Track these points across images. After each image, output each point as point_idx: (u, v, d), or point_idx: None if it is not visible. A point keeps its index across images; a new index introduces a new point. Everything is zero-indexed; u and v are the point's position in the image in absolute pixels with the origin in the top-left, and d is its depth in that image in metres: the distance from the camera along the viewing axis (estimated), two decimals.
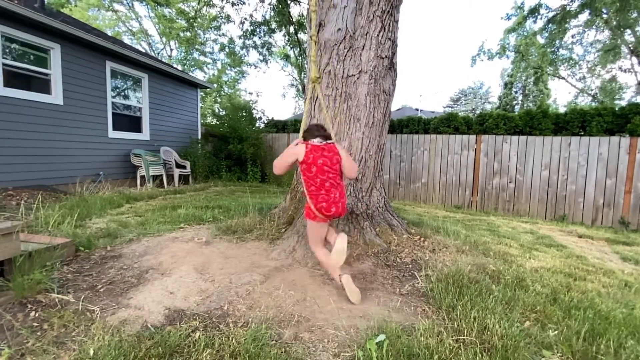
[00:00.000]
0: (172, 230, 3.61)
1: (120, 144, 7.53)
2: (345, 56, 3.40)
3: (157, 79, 8.65)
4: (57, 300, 2.04)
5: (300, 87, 24.50)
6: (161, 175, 7.88)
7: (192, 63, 23.91)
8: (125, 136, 7.68)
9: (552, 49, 16.78)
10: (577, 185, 6.56)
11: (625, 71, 18.86)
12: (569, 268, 3.16)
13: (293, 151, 2.33)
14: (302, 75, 21.11)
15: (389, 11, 3.41)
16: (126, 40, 21.65)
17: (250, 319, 1.93)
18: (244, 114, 11.26)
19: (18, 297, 2.00)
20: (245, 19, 14.08)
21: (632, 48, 16.25)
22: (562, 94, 50.92)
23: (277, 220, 3.60)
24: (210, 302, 2.12)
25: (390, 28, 3.48)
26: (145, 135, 8.30)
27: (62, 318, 1.85)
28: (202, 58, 24.22)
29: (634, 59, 17.07)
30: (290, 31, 14.32)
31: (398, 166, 8.38)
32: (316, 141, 2.35)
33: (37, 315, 1.89)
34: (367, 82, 3.42)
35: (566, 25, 14.79)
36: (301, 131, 2.36)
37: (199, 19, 17.16)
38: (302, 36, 14.26)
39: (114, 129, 7.37)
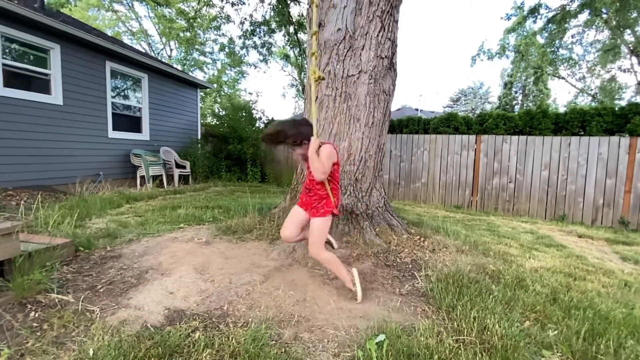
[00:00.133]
0: (171, 231, 3.61)
1: (120, 144, 7.53)
2: (345, 56, 3.41)
3: (157, 79, 8.65)
4: (56, 300, 2.04)
5: (300, 87, 24.50)
6: (161, 175, 7.88)
7: (192, 63, 23.91)
8: (125, 136, 7.67)
9: (552, 49, 16.78)
10: (577, 185, 6.56)
11: (624, 71, 18.88)
12: (569, 268, 3.16)
13: (332, 154, 2.18)
14: (302, 75, 21.11)
15: (388, 11, 3.42)
16: (126, 40, 21.66)
17: (250, 319, 1.93)
18: (244, 114, 11.25)
19: (18, 298, 2.00)
20: (245, 19, 14.07)
21: (631, 48, 16.26)
22: (561, 94, 50.99)
23: (277, 220, 3.60)
24: (210, 302, 2.12)
25: (390, 28, 3.48)
26: (145, 135, 8.30)
27: (61, 318, 1.85)
28: (202, 58, 24.22)
29: (634, 59, 17.08)
30: (290, 31, 14.31)
31: (398, 166, 8.38)
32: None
33: (36, 315, 1.89)
34: (367, 82, 3.42)
35: (566, 25, 14.78)
36: (315, 131, 2.26)
37: (198, 19, 17.14)
38: (302, 36, 14.25)
39: (114, 129, 7.37)
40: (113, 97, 7.43)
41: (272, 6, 13.43)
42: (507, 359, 1.64)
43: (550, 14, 14.68)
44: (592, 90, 21.99)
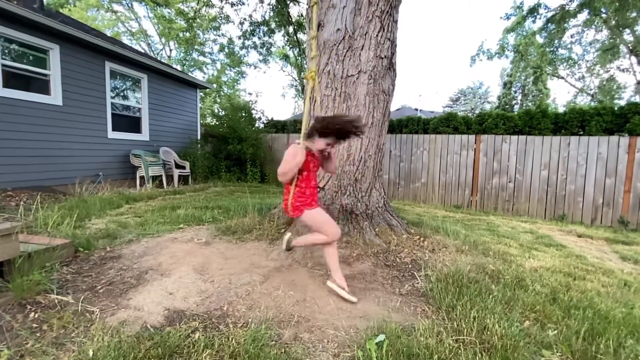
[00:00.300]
0: (171, 231, 3.61)
1: (120, 144, 7.52)
2: (345, 56, 3.41)
3: (156, 80, 8.64)
4: (56, 301, 2.04)
5: (300, 87, 24.49)
6: (160, 175, 7.87)
7: (192, 63, 23.91)
8: (124, 137, 7.67)
9: (551, 49, 16.80)
10: (577, 185, 6.56)
11: (623, 71, 18.91)
12: (569, 267, 3.16)
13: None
14: (302, 75, 21.09)
15: (388, 11, 3.42)
16: (125, 40, 21.64)
17: (249, 320, 1.93)
18: (244, 114, 11.25)
19: (17, 298, 2.00)
20: (245, 19, 14.07)
21: (631, 47, 16.28)
22: (561, 94, 51.13)
23: (277, 221, 3.60)
24: (209, 303, 2.12)
25: (390, 28, 3.48)
26: (144, 135, 8.29)
27: (61, 319, 1.85)
28: (201, 58, 24.22)
29: (633, 59, 17.10)
30: (290, 31, 14.32)
31: (397, 166, 8.38)
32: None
33: (36, 316, 1.89)
34: (367, 82, 3.43)
35: (565, 24, 14.79)
36: (303, 129, 2.29)
37: (198, 20, 17.14)
38: (302, 36, 14.25)
39: (114, 129, 7.36)
40: (112, 97, 7.43)
41: (271, 6, 13.43)
42: (507, 359, 1.64)
43: (550, 14, 14.68)
44: (591, 90, 22.02)
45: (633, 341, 1.85)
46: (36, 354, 1.59)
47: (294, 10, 13.86)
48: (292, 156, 2.17)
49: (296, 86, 26.25)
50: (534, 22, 15.74)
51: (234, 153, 9.87)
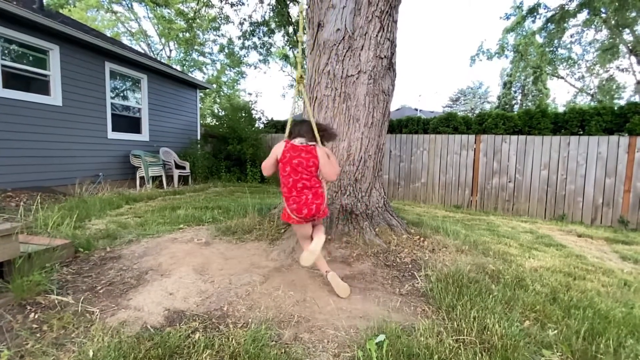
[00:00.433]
0: (171, 231, 3.61)
1: (120, 144, 7.53)
2: (344, 56, 3.41)
3: (156, 80, 8.64)
4: (56, 301, 2.04)
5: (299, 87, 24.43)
6: (160, 176, 7.87)
7: (192, 64, 23.91)
8: (124, 137, 7.67)
9: (551, 49, 16.80)
10: (577, 185, 6.57)
11: (623, 70, 18.92)
12: (569, 267, 3.16)
13: (274, 150, 2.33)
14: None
15: (387, 11, 3.42)
16: (125, 41, 21.65)
17: (250, 320, 1.93)
18: (244, 114, 11.26)
19: (17, 299, 2.00)
20: (245, 19, 14.07)
21: (630, 47, 16.28)
22: (561, 94, 51.19)
23: (277, 221, 3.60)
24: (209, 303, 2.12)
25: (389, 28, 3.48)
26: (144, 136, 8.30)
27: (61, 319, 1.85)
28: (201, 58, 24.23)
29: (633, 58, 17.11)
30: (290, 31, 14.31)
31: (397, 166, 8.38)
32: (297, 141, 2.31)
33: (36, 316, 1.89)
34: (366, 82, 3.42)
35: (565, 24, 14.79)
36: (287, 132, 2.35)
37: (198, 20, 17.14)
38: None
39: (113, 129, 7.37)
40: (112, 97, 7.43)
41: (271, 6, 13.43)
42: (507, 359, 1.64)
43: (549, 14, 14.68)
44: (591, 89, 22.04)
45: (633, 341, 1.85)
46: (36, 354, 1.59)
47: (294, 11, 13.84)
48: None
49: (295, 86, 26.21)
50: (533, 22, 15.74)
51: (233, 153, 9.87)
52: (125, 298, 2.15)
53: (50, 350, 1.61)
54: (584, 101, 22.91)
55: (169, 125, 9.16)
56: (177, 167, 8.53)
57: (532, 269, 2.99)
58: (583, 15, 15.03)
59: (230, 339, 1.71)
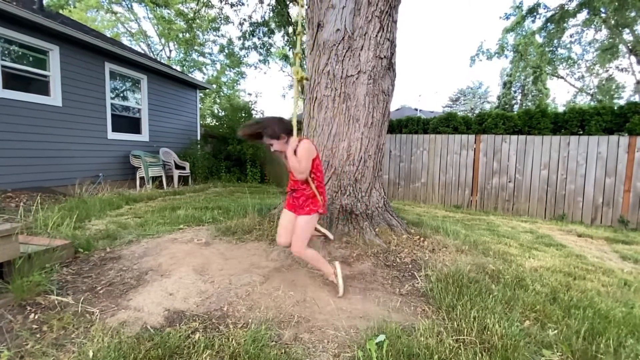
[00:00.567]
0: (171, 232, 3.61)
1: (120, 145, 7.52)
2: (344, 57, 3.41)
3: (156, 80, 8.64)
4: (56, 302, 2.03)
5: (299, 88, 24.42)
6: (160, 176, 7.87)
7: (191, 64, 23.90)
8: (124, 137, 7.67)
9: (551, 49, 16.79)
10: (577, 185, 6.56)
11: (622, 70, 18.92)
12: (569, 267, 3.16)
13: (311, 150, 2.19)
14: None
15: (387, 12, 3.42)
16: (125, 41, 21.63)
17: (250, 320, 1.93)
18: (243, 114, 11.26)
19: (17, 299, 2.00)
20: (244, 20, 14.06)
21: (630, 47, 16.29)
22: (560, 93, 51.17)
23: (277, 221, 3.59)
24: (209, 303, 2.12)
25: (389, 28, 3.48)
26: (144, 136, 8.30)
27: (61, 320, 1.85)
28: (201, 59, 24.21)
29: (632, 58, 17.11)
30: (289, 32, 14.31)
31: (397, 166, 8.38)
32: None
33: (36, 317, 1.89)
34: (366, 82, 3.43)
35: (564, 24, 14.78)
36: (295, 130, 2.33)
37: (197, 20, 17.14)
38: (301, 37, 14.21)
39: (113, 130, 7.36)
40: (112, 98, 7.43)
41: (271, 7, 13.43)
42: (507, 359, 1.64)
43: (549, 14, 14.68)
44: (591, 89, 22.04)
45: (633, 340, 1.85)
46: (36, 355, 1.59)
47: (294, 11, 13.85)
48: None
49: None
50: (533, 22, 15.73)
51: (233, 153, 9.88)
52: (125, 298, 2.15)
53: (50, 350, 1.61)
54: (583, 101, 22.92)
55: (168, 126, 9.16)
56: (177, 167, 8.53)
57: (532, 268, 3.00)
58: (583, 15, 15.02)
59: (230, 339, 1.71)
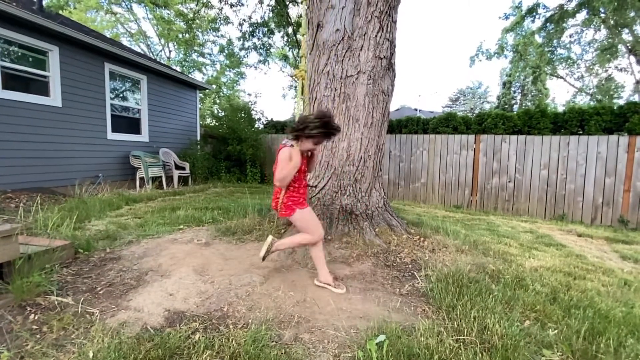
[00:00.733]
0: (171, 232, 3.61)
1: (119, 145, 7.52)
2: (344, 57, 3.41)
3: (156, 81, 8.64)
4: (56, 302, 2.03)
5: (299, 88, 24.44)
6: (160, 176, 7.87)
7: (191, 64, 23.90)
8: (124, 138, 7.67)
9: (550, 49, 16.82)
10: (576, 185, 6.57)
11: (622, 70, 18.93)
12: (569, 267, 3.16)
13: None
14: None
15: (387, 12, 3.42)
16: (125, 42, 21.64)
17: (250, 320, 1.93)
18: (243, 115, 11.25)
19: (17, 300, 2.00)
20: (244, 20, 14.07)
21: (629, 47, 16.30)
22: (560, 93, 51.26)
23: (277, 221, 3.60)
24: (210, 304, 2.12)
25: (389, 29, 3.48)
26: (144, 136, 8.29)
27: (61, 320, 1.85)
28: (200, 59, 24.22)
29: (632, 58, 17.13)
30: (289, 32, 14.32)
31: (397, 166, 8.38)
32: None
33: (36, 317, 1.88)
34: (366, 82, 3.43)
35: (564, 24, 14.81)
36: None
37: (197, 21, 17.16)
38: (301, 37, 14.24)
39: (113, 130, 7.36)
40: (112, 98, 7.43)
41: (270, 7, 13.44)
42: (508, 359, 1.64)
43: (549, 14, 14.70)
44: (590, 89, 22.05)
45: (633, 340, 1.85)
46: (36, 355, 1.59)
47: (294, 11, 13.86)
48: (287, 160, 2.19)
49: (296, 87, 26.22)
50: (532, 22, 15.76)
51: (233, 154, 9.87)
52: (125, 299, 2.15)
53: (50, 351, 1.61)
54: (583, 101, 22.92)
55: (168, 126, 9.16)
56: (177, 167, 8.52)
57: (532, 268, 3.00)
58: (582, 15, 15.05)
59: (230, 340, 1.71)
